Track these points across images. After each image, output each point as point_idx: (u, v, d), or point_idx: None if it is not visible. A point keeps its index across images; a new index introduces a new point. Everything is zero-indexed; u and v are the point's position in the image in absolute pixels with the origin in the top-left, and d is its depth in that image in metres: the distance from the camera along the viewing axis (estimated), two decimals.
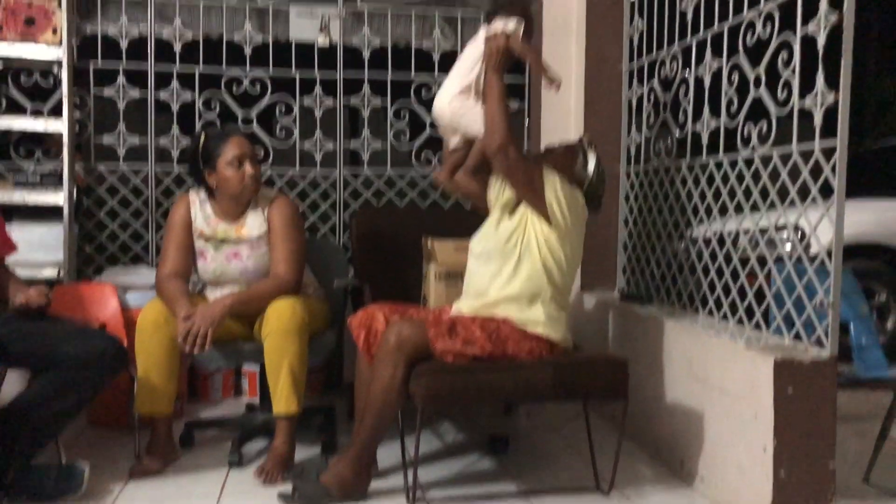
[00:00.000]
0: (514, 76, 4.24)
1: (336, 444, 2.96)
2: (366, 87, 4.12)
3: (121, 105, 3.93)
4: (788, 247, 2.51)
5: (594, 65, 3.73)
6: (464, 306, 2.62)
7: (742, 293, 2.66)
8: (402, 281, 3.34)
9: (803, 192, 2.39)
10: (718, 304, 2.79)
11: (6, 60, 3.65)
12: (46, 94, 3.75)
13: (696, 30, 2.93)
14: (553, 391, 2.45)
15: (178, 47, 3.93)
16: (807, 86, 2.33)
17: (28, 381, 2.55)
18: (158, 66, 3.93)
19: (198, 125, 3.91)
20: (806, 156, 2.36)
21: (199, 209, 2.91)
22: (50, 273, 3.54)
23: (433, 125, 4.11)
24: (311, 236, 3.61)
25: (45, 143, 3.78)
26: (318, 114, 4.09)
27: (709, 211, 2.89)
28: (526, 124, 4.27)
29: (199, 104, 3.94)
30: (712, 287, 2.82)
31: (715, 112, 2.80)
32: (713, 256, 2.84)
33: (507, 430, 3.19)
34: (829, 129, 2.26)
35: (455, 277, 2.91)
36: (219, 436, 3.13)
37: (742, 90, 2.65)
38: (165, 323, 2.70)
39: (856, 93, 2.24)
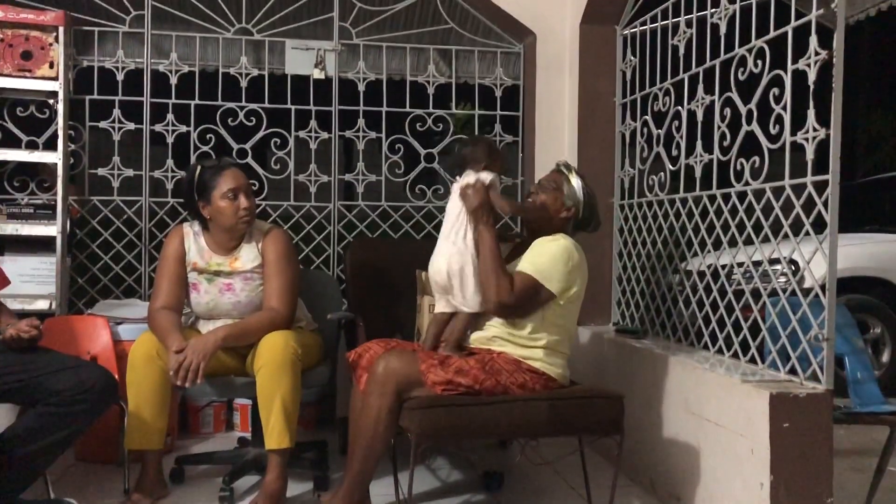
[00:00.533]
0: (510, 110, 4.28)
1: (329, 479, 2.92)
2: (361, 121, 4.14)
3: (116, 137, 3.94)
4: (783, 280, 2.51)
5: (587, 99, 3.77)
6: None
7: (737, 327, 2.65)
8: (395, 313, 3.33)
9: (796, 226, 2.40)
10: (713, 338, 2.79)
11: (2, 93, 3.66)
12: (42, 125, 3.76)
13: (688, 65, 2.97)
14: (548, 426, 2.43)
15: (174, 80, 3.95)
16: (798, 120, 2.35)
17: (17, 415, 2.51)
18: (154, 99, 3.94)
19: (192, 157, 3.91)
20: (798, 190, 2.37)
21: (193, 242, 2.91)
22: (42, 305, 3.52)
23: (428, 158, 4.15)
24: (304, 269, 3.60)
25: (38, 175, 3.77)
26: (312, 146, 4.10)
27: (703, 244, 2.89)
28: (520, 158, 4.29)
29: (194, 136, 3.95)
30: (707, 321, 2.82)
31: (707, 146, 2.82)
32: (707, 290, 2.84)
33: (501, 465, 3.16)
34: (822, 163, 2.28)
35: None
36: (210, 471, 3.09)
37: (734, 125, 2.67)
38: (157, 356, 2.68)
39: (847, 127, 2.25)
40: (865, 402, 2.67)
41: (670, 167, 3.11)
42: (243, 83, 4.01)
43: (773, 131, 2.45)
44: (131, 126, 3.94)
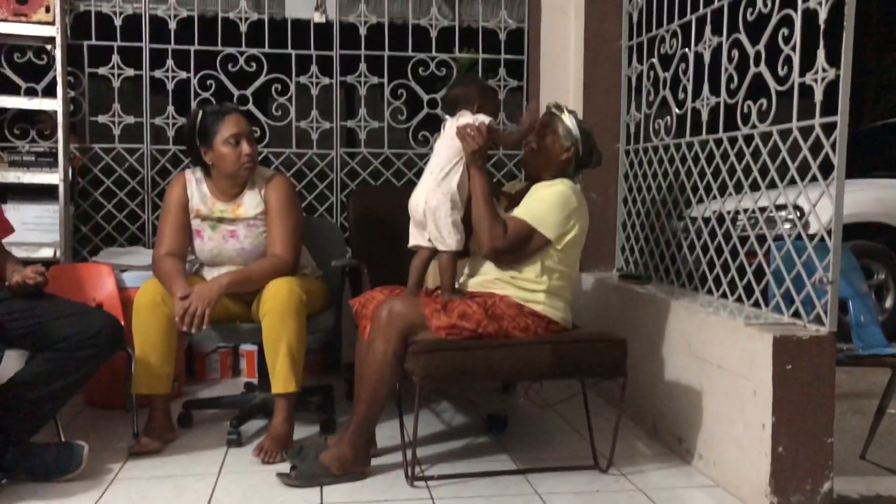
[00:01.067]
0: (514, 54, 4.21)
1: (335, 423, 2.96)
2: (362, 66, 4.08)
3: (115, 84, 3.90)
4: (787, 226, 2.50)
5: (593, 42, 3.70)
6: (462, 283, 2.62)
7: (741, 271, 2.65)
8: (399, 260, 3.32)
9: (802, 171, 2.38)
10: (717, 283, 2.79)
11: None
12: (40, 72, 3.71)
13: (695, 6, 2.91)
14: (552, 370, 2.45)
15: (172, 25, 3.89)
16: (807, 63, 2.31)
17: (26, 361, 2.54)
18: (153, 45, 3.89)
19: (193, 104, 3.87)
20: (806, 133, 2.34)
21: (196, 189, 2.89)
22: (46, 253, 3.52)
23: (431, 104, 4.10)
24: (308, 216, 3.60)
25: (38, 123, 3.74)
26: (314, 93, 4.05)
27: (708, 189, 2.88)
28: (525, 103, 4.24)
29: (194, 83, 3.91)
30: (711, 266, 2.82)
31: (715, 89, 2.78)
32: (712, 235, 2.83)
33: (505, 408, 3.19)
34: (830, 107, 2.24)
35: None
36: (217, 415, 3.14)
37: (742, 67, 2.63)
38: (162, 302, 2.69)
39: (856, 72, 2.22)
40: (868, 345, 2.69)
41: (677, 111, 3.07)
42: (243, 28, 3.95)
43: (781, 73, 2.41)
44: (131, 72, 3.90)
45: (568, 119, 2.63)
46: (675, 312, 2.79)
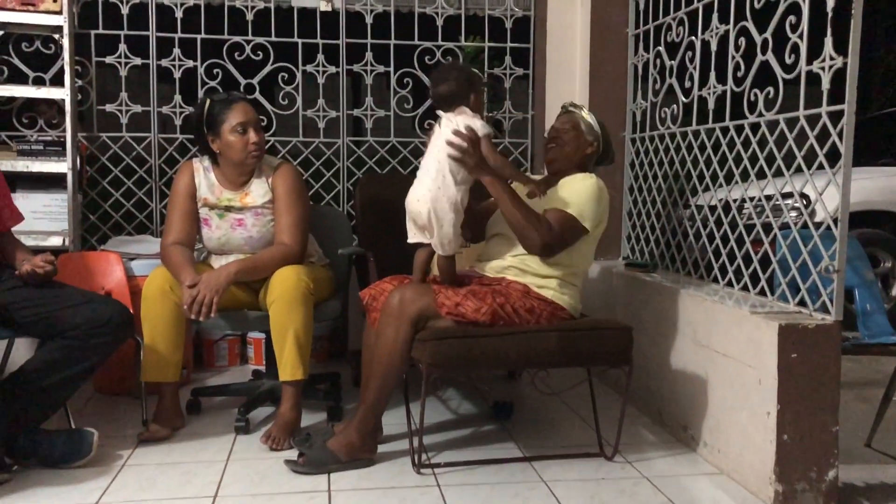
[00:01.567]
0: (520, 42, 4.20)
1: (342, 410, 2.98)
2: (369, 55, 4.08)
3: (122, 73, 3.90)
4: (794, 214, 2.50)
5: (599, 30, 3.70)
6: (477, 267, 2.65)
7: (747, 260, 2.66)
8: (406, 249, 3.33)
9: (809, 160, 2.37)
10: (723, 271, 2.79)
11: (7, 28, 3.62)
12: (48, 61, 3.72)
13: None
14: (558, 357, 2.46)
15: (179, 14, 3.89)
16: (814, 51, 2.30)
17: (36, 348, 2.56)
18: (160, 34, 3.90)
19: (200, 93, 3.88)
20: (812, 121, 2.34)
21: (204, 177, 2.91)
22: (55, 242, 3.54)
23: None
24: (314, 205, 3.61)
25: (44, 113, 3.76)
26: (320, 81, 4.05)
27: (714, 178, 2.87)
28: (531, 92, 4.23)
29: (201, 72, 3.92)
30: (717, 254, 2.82)
31: (721, 77, 2.78)
32: (718, 223, 2.83)
33: (511, 395, 3.21)
34: (837, 95, 2.24)
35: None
36: (225, 402, 3.16)
37: (749, 55, 2.62)
38: (171, 291, 2.71)
39: (863, 59, 2.21)
40: (874, 333, 2.69)
41: (683, 99, 3.07)
42: (249, 16, 3.95)
43: (788, 61, 2.41)
44: (138, 61, 3.90)
45: (588, 116, 2.71)
46: (681, 301, 2.80)
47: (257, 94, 3.96)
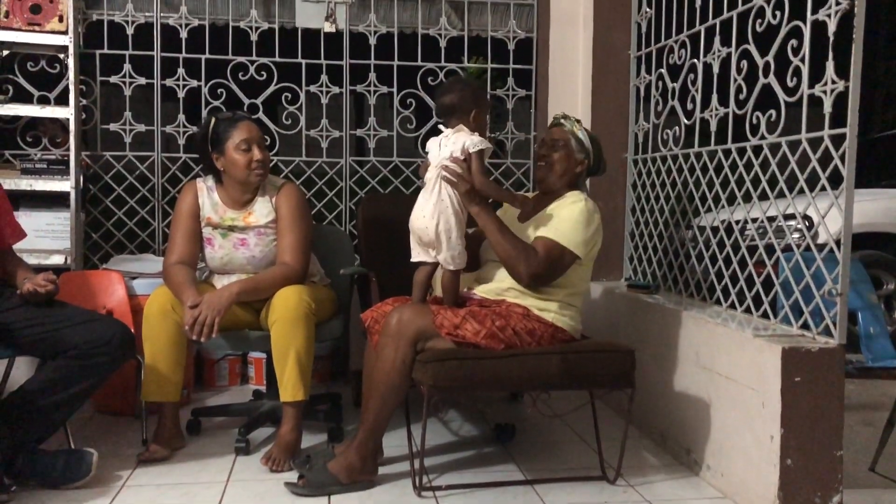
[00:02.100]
0: (523, 64, 4.22)
1: (342, 431, 2.97)
2: (372, 75, 4.10)
3: (127, 92, 3.93)
4: (796, 236, 2.50)
5: (602, 52, 3.72)
6: (476, 290, 2.64)
7: (750, 282, 2.65)
8: (407, 269, 3.32)
9: (811, 182, 2.38)
10: (726, 294, 2.79)
11: (13, 47, 3.64)
12: (53, 81, 3.74)
13: (704, 17, 2.92)
14: (560, 379, 2.44)
15: (184, 34, 3.92)
16: (816, 74, 2.31)
17: (36, 368, 2.56)
18: (164, 54, 3.92)
19: (204, 113, 3.90)
20: (815, 144, 2.34)
21: (207, 196, 2.91)
22: (57, 260, 3.54)
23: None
24: (317, 224, 3.61)
25: (48, 132, 3.77)
26: (324, 101, 4.07)
27: (717, 199, 2.88)
28: (533, 113, 4.25)
29: (205, 91, 3.94)
30: (720, 276, 2.81)
31: (723, 100, 2.79)
32: (721, 245, 2.83)
33: (513, 417, 3.19)
34: (838, 117, 2.25)
35: None
36: (225, 423, 3.14)
37: (751, 77, 2.63)
38: (172, 310, 2.71)
39: (864, 81, 2.22)
40: (877, 357, 2.68)
41: (685, 121, 3.08)
42: (254, 37, 3.97)
43: (790, 84, 2.41)
44: (142, 81, 3.93)
45: (580, 131, 2.67)
46: (684, 323, 2.79)
47: (261, 114, 3.97)
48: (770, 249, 2.57)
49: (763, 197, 2.62)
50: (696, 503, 2.45)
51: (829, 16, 2.25)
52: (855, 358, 2.62)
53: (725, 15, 2.77)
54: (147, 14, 3.91)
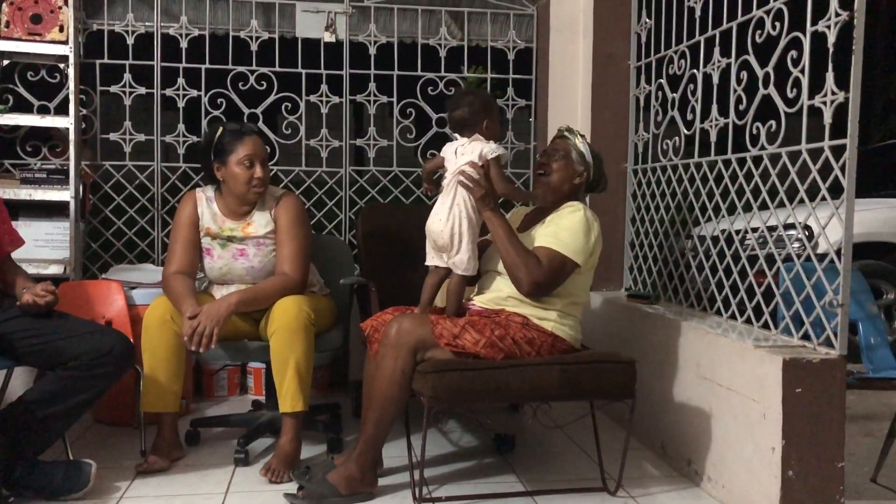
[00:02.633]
0: (522, 74, 4.23)
1: (342, 441, 2.96)
2: (372, 85, 4.11)
3: (127, 102, 3.93)
4: (797, 246, 2.50)
5: (601, 62, 3.72)
6: (475, 300, 2.63)
7: (750, 292, 2.65)
8: (407, 279, 3.33)
9: (811, 192, 2.38)
10: (726, 304, 2.78)
11: (13, 57, 3.65)
12: (53, 90, 3.75)
13: (704, 27, 2.92)
14: (560, 390, 2.44)
15: (184, 44, 3.93)
16: (815, 84, 2.32)
17: (35, 378, 2.55)
18: (164, 63, 3.93)
19: (204, 122, 3.90)
20: (815, 154, 2.34)
21: (206, 207, 2.91)
22: (56, 270, 3.54)
23: (439, 123, 4.12)
24: (316, 234, 3.61)
25: (50, 140, 3.77)
26: (323, 111, 4.08)
27: (717, 209, 2.88)
28: (533, 122, 4.26)
29: (205, 101, 3.94)
30: (720, 286, 2.81)
31: (723, 110, 2.79)
32: (721, 255, 2.83)
33: (513, 428, 3.18)
34: (837, 127, 2.25)
35: None
36: (224, 433, 3.13)
37: (751, 88, 2.63)
38: (171, 320, 2.70)
39: (864, 91, 2.22)
40: (878, 367, 2.67)
41: (685, 131, 3.08)
42: (254, 47, 3.98)
43: (790, 95, 2.42)
44: (142, 90, 3.93)
45: (581, 144, 2.67)
46: (684, 333, 2.78)
47: (261, 124, 3.97)
48: (770, 259, 2.57)
49: (763, 207, 2.62)
50: None
51: (828, 27, 2.26)
52: (856, 368, 2.61)
53: (725, 26, 2.78)
54: (147, 24, 3.92)
